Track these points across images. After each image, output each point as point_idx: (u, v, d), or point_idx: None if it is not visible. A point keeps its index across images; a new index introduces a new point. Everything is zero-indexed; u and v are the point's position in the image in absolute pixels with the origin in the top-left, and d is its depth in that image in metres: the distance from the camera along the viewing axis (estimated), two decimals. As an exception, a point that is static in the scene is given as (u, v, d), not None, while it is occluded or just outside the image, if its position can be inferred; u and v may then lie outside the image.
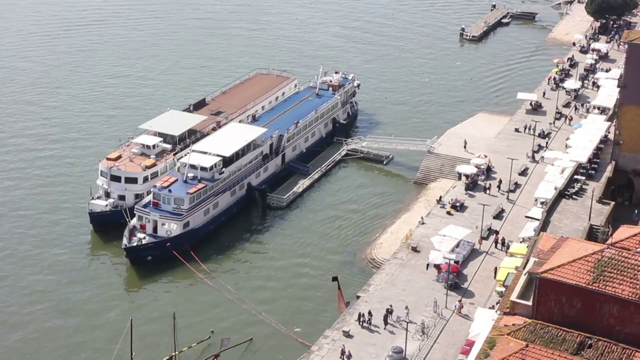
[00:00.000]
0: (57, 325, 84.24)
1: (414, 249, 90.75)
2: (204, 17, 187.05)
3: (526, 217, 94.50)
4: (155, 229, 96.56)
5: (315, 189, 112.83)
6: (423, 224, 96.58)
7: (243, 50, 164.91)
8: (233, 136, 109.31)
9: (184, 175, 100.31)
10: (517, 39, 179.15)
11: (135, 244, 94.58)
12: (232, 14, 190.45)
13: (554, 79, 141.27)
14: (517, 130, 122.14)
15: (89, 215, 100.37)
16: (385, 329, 77.51)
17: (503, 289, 75.40)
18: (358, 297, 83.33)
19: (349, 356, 73.55)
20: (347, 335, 76.54)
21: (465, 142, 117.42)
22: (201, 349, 79.49)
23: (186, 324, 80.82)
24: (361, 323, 77.91)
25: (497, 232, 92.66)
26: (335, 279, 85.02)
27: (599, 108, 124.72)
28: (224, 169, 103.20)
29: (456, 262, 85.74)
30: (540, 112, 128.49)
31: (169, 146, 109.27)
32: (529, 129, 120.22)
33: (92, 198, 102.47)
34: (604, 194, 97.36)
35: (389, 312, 78.44)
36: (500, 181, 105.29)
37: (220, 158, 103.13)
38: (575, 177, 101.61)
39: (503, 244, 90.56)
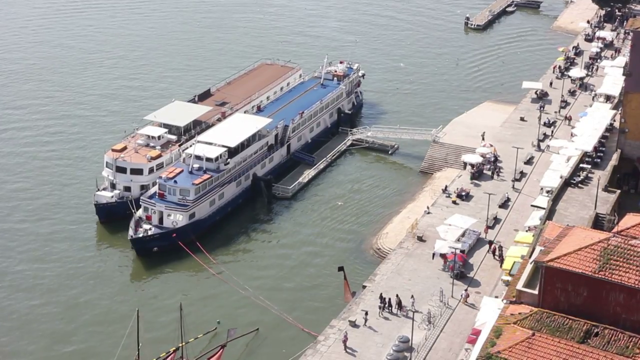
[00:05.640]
0: (63, 316, 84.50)
1: (420, 239, 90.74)
2: (208, 8, 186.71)
3: (532, 205, 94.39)
4: (161, 220, 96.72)
5: (321, 179, 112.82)
6: (429, 213, 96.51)
7: (248, 41, 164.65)
8: (238, 127, 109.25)
9: (189, 166, 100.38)
10: (522, 27, 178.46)
11: (141, 235, 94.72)
12: (236, 4, 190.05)
13: (560, 67, 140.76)
14: (522, 119, 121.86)
15: (94, 206, 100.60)
16: (397, 314, 77.74)
17: (509, 278, 75.40)
18: (364, 286, 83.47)
19: (345, 340, 73.77)
20: (354, 325, 76.67)
21: (483, 134, 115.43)
22: (208, 339, 79.69)
23: (193, 315, 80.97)
24: (382, 306, 77.92)
25: (491, 242, 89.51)
26: (341, 268, 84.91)
27: (604, 96, 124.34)
28: (229, 160, 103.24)
29: (462, 251, 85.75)
30: (545, 100, 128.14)
31: (174, 137, 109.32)
32: (541, 109, 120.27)
33: (98, 189, 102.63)
34: (609, 182, 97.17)
35: (398, 302, 78.31)
36: (495, 164, 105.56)
37: (225, 149, 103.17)
38: (581, 165, 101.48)
39: (500, 253, 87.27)
